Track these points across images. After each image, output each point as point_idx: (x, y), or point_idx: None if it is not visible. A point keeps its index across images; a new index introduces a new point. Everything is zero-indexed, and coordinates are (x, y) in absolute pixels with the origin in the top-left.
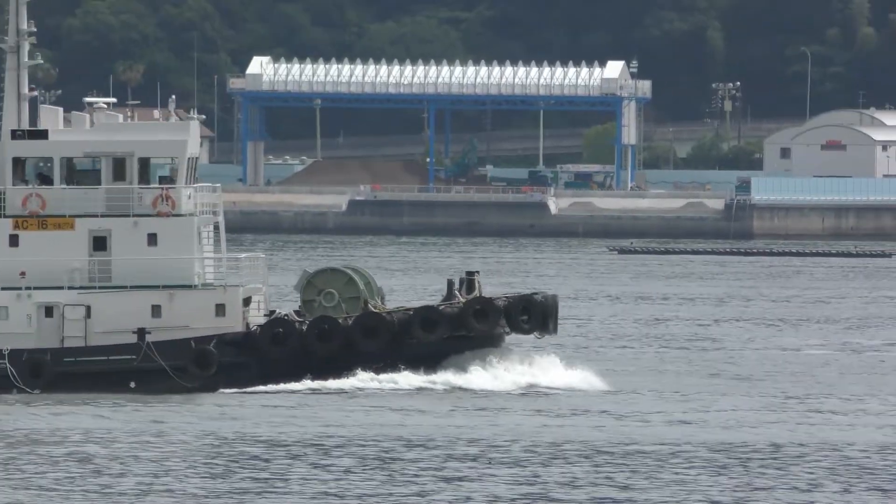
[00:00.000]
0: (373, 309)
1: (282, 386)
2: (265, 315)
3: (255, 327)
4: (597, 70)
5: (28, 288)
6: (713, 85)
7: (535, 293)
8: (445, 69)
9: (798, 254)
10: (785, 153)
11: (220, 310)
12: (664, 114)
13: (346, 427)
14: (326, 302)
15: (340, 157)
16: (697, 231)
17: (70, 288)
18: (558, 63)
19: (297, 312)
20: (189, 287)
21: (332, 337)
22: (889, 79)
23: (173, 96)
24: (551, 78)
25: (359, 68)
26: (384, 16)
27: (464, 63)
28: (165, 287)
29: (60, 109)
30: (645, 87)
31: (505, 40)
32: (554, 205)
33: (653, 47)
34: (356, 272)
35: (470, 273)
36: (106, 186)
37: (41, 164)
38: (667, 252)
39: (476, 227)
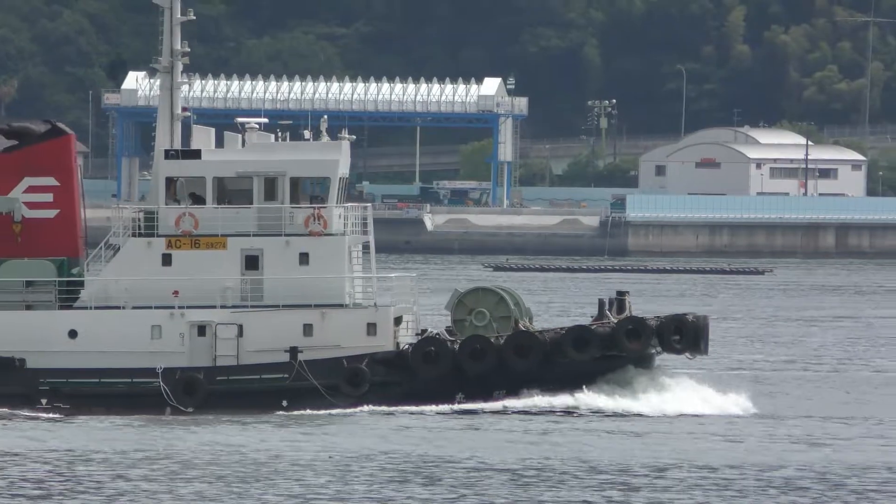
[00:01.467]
0: (523, 328)
1: (433, 405)
2: (416, 334)
3: (405, 346)
4: (473, 87)
5: (181, 307)
6: (589, 102)
7: (687, 313)
8: (322, 85)
9: (672, 270)
10: (660, 170)
11: (372, 329)
12: (540, 131)
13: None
14: (477, 321)
15: None
16: (573, 248)
17: (222, 307)
18: (435, 80)
19: (448, 331)
20: (340, 306)
21: (484, 356)
22: (763, 97)
23: (325, 116)
24: (428, 94)
25: (235, 84)
26: (261, 31)
27: (341, 79)
28: (317, 306)
29: (213, 130)
30: (521, 104)
31: (382, 56)
32: (430, 221)
33: (529, 64)
34: (506, 291)
35: (620, 293)
36: (258, 206)
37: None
38: (542, 269)
39: None
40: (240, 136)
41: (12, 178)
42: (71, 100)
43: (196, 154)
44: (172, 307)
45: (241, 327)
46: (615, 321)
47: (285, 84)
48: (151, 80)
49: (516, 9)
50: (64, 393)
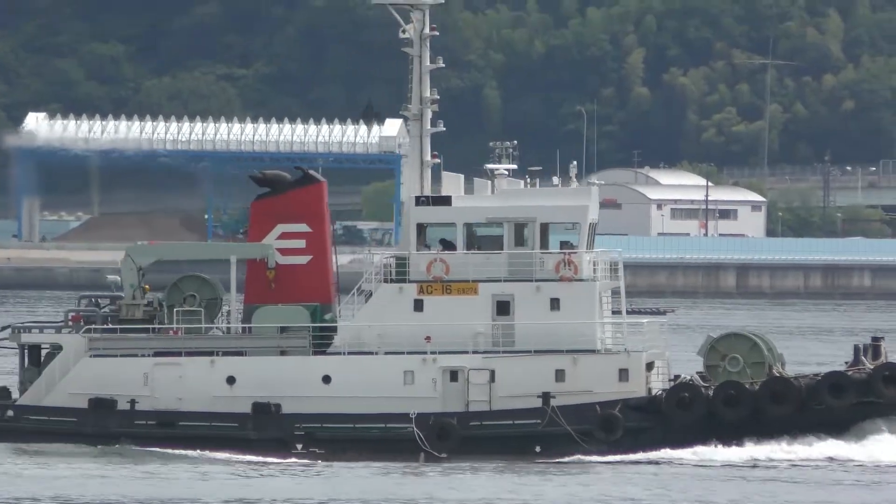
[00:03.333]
0: (777, 374)
1: (686, 451)
2: (670, 380)
3: (658, 392)
4: (375, 127)
5: (433, 352)
6: (490, 143)
7: None
8: (223, 126)
9: None
10: None
11: (624, 374)
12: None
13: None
14: (731, 367)
15: (118, 213)
16: None
17: (474, 352)
18: (336, 120)
19: (700, 377)
20: (592, 352)
21: (739, 402)
22: (663, 138)
23: (574, 162)
24: (329, 135)
25: (136, 124)
26: (161, 71)
27: (241, 120)
28: (569, 352)
29: (462, 176)
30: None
31: (282, 97)
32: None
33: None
34: (759, 337)
35: (875, 339)
36: (508, 252)
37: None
38: None
39: None
40: (489, 182)
41: (266, 224)
42: None
43: (447, 200)
44: (425, 353)
45: (493, 373)
46: (871, 367)
47: (186, 124)
48: (51, 121)
49: None
50: (319, 438)
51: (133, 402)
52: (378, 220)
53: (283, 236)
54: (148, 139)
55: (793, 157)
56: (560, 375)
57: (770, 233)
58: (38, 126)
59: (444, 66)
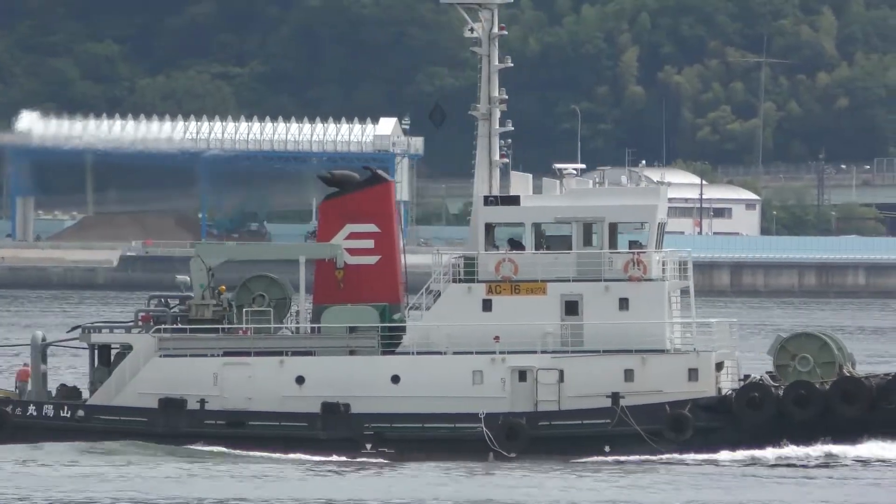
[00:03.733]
0: (847, 374)
1: (756, 452)
2: (739, 380)
3: (728, 392)
4: (369, 126)
5: (502, 352)
6: None
7: None
8: (218, 125)
9: None
10: None
11: (693, 374)
12: (437, 170)
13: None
14: (801, 367)
15: (112, 213)
16: None
17: (543, 352)
18: (331, 119)
19: (770, 376)
20: (661, 352)
21: (809, 402)
22: (657, 137)
23: (643, 161)
24: (324, 134)
25: (130, 123)
26: (155, 70)
27: (236, 119)
28: (637, 351)
29: (530, 176)
30: (417, 143)
31: (277, 96)
32: None
33: (425, 103)
34: (829, 336)
35: None
36: (577, 251)
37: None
38: None
39: None
40: (557, 181)
41: (334, 224)
42: None
43: (515, 200)
44: (493, 352)
45: (561, 373)
46: None
47: (180, 123)
48: (46, 120)
49: (411, 48)
50: (388, 438)
51: (203, 401)
52: None
53: (352, 236)
54: (143, 138)
55: (787, 156)
56: (629, 375)
57: (764, 231)
58: (33, 125)
59: (511, 65)
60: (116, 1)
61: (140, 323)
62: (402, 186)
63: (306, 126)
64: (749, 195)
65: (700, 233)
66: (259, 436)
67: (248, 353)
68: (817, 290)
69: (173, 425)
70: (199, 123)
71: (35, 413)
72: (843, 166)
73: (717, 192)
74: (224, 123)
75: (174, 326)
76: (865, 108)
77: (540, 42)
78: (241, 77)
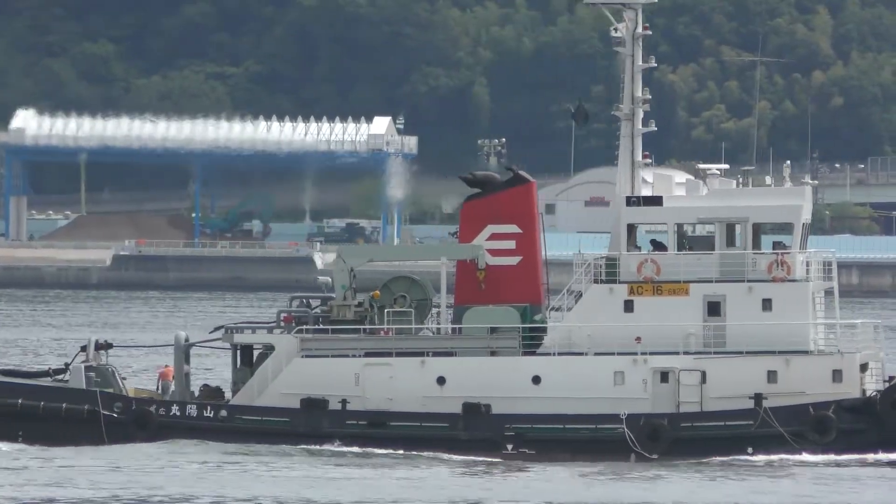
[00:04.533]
0: None
1: None
2: (884, 381)
3: (871, 393)
4: (363, 126)
5: (643, 353)
6: (479, 141)
7: None
8: (212, 124)
9: None
10: (549, 209)
11: (837, 376)
12: (430, 169)
13: None
14: None
15: (105, 212)
16: None
17: (685, 353)
18: (325, 119)
19: None
20: (805, 353)
21: None
22: (652, 136)
23: (788, 161)
24: (318, 133)
25: (125, 123)
26: (151, 70)
27: (231, 118)
28: (781, 353)
29: (673, 175)
30: (411, 142)
31: (272, 95)
32: (320, 260)
33: (419, 103)
34: None
35: None
36: (720, 252)
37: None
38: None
39: (242, 282)
40: (701, 182)
41: (476, 225)
42: None
43: (658, 201)
44: (635, 353)
45: (704, 374)
46: None
47: (175, 123)
48: (40, 119)
49: (405, 48)
50: (529, 439)
51: (344, 402)
52: (366, 219)
53: (493, 237)
54: (137, 138)
55: (782, 155)
56: (772, 377)
57: None
58: (27, 124)
59: (655, 65)
60: (112, 1)
61: (282, 323)
62: (397, 185)
63: (301, 125)
64: None
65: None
66: (400, 436)
67: (389, 354)
68: None
69: (315, 425)
70: (193, 123)
71: (178, 413)
72: (838, 165)
73: None
74: (218, 123)
75: (316, 327)
76: (860, 106)
77: (534, 41)
78: (235, 77)
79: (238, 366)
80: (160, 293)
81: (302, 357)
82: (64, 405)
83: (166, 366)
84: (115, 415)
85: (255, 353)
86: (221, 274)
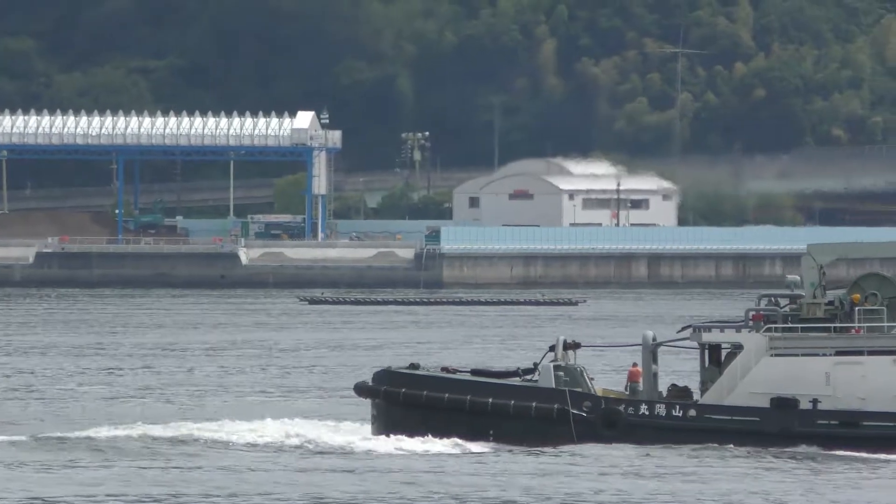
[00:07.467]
0: None
1: None
2: None
3: None
4: (287, 120)
5: None
6: (403, 135)
7: None
8: (134, 120)
9: (486, 302)
10: (474, 202)
11: None
12: (354, 164)
13: None
14: None
15: (27, 209)
16: (388, 280)
17: None
18: (248, 113)
19: None
20: None
21: None
22: (575, 128)
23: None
24: (241, 128)
25: (46, 119)
26: (72, 66)
27: (153, 114)
28: None
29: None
30: (335, 137)
31: (195, 90)
32: (245, 255)
33: (343, 97)
34: None
35: None
36: None
37: None
38: (357, 302)
39: (166, 278)
40: None
41: None
42: None
43: None
44: None
45: None
46: None
47: (96, 119)
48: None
49: (327, 42)
50: None
51: (815, 401)
52: (290, 214)
53: None
54: (59, 134)
55: (704, 147)
56: None
57: (681, 222)
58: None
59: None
60: None
61: (751, 322)
62: (321, 180)
63: (223, 120)
64: (667, 185)
65: (617, 224)
66: (874, 436)
67: (861, 353)
68: (734, 281)
69: (786, 425)
70: (115, 119)
71: (647, 412)
72: (760, 156)
73: (635, 184)
74: (140, 118)
75: (785, 325)
76: (782, 98)
77: (457, 34)
78: (158, 71)
79: (706, 365)
80: (83, 290)
81: (771, 356)
82: (534, 404)
83: (634, 364)
84: (584, 414)
85: (723, 352)
86: (146, 270)
